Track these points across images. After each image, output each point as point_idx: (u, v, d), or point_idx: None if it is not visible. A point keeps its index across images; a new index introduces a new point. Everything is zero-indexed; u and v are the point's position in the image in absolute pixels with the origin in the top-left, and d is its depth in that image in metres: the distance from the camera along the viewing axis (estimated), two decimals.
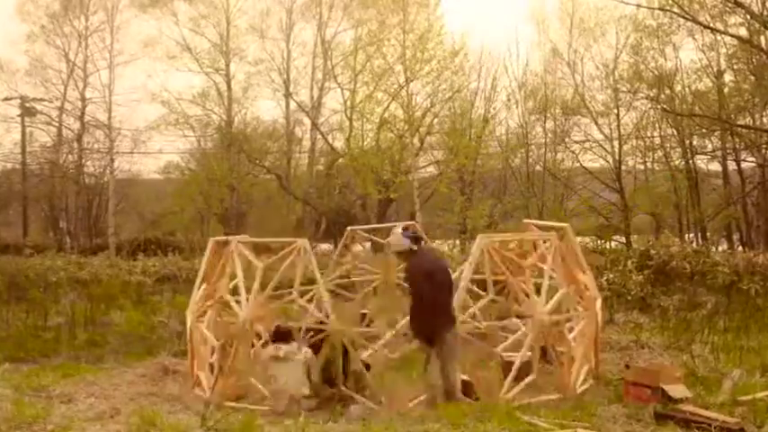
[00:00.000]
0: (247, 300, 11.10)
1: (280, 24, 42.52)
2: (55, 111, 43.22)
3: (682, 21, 31.28)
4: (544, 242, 11.95)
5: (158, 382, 12.43)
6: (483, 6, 59.67)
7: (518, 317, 12.49)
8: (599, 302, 12.22)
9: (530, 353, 10.94)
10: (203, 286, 12.59)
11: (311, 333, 11.55)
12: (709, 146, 38.00)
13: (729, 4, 28.46)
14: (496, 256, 11.33)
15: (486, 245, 11.16)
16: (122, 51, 41.63)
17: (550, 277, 11.38)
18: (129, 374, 12.95)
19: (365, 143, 39.73)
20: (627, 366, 11.21)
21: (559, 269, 11.73)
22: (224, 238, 13.15)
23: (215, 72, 42.35)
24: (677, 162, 38.43)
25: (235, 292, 11.69)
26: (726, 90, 34.74)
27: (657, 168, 40.33)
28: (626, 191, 37.98)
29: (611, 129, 38.61)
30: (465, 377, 10.65)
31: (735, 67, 34.00)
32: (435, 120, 39.88)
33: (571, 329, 12.02)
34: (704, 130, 35.58)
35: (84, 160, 44.54)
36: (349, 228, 16.16)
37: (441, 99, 38.97)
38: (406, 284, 11.39)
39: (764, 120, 34.22)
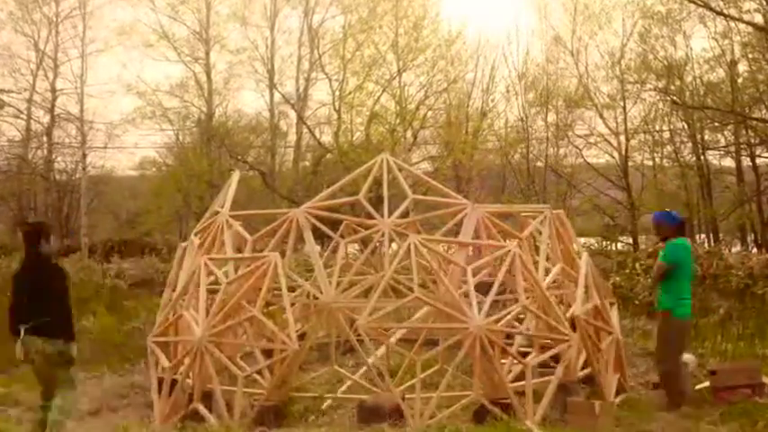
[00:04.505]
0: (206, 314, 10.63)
1: (263, 10, 42.48)
2: (23, 103, 43.11)
3: (693, 7, 31.26)
4: (535, 218, 12.10)
5: (132, 392, 12.41)
6: None
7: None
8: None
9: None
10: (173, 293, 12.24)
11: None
12: (722, 140, 38.05)
13: None
14: (493, 227, 11.38)
15: (481, 215, 11.20)
16: (95, 39, 41.67)
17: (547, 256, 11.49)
18: (103, 384, 12.93)
19: (354, 137, 39.73)
20: (712, 372, 10.93)
21: (555, 244, 11.88)
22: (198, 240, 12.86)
23: (194, 61, 42.35)
24: (688, 158, 38.51)
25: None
26: (740, 81, 34.77)
27: (667, 164, 40.40)
28: (633, 188, 38.05)
29: (617, 122, 38.71)
30: None
31: (750, 56, 33.99)
32: (429, 113, 39.88)
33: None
34: (717, 124, 35.60)
35: (54, 155, 44.46)
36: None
37: (435, 90, 38.99)
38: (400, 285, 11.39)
39: None
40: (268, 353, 11.26)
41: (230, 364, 10.70)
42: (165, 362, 11.25)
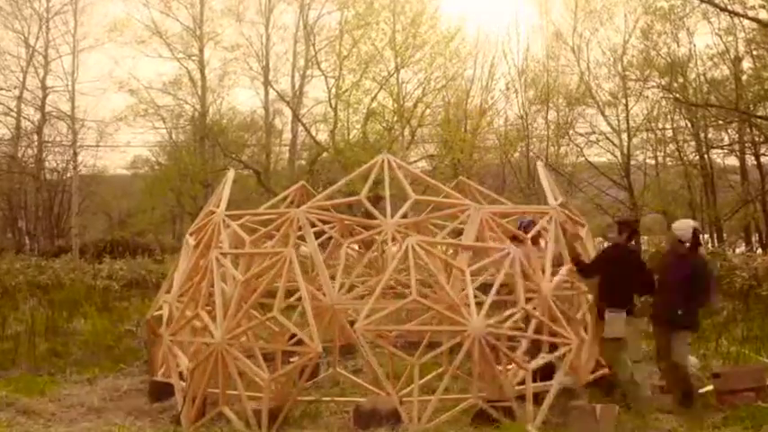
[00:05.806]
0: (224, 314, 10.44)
1: (258, 6, 42.54)
2: (13, 100, 43.07)
3: (696, 2, 31.36)
4: (542, 217, 12.01)
5: (124, 395, 12.40)
6: None
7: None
8: None
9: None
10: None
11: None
12: (726, 139, 38.16)
13: None
14: (497, 228, 11.36)
15: (484, 216, 11.18)
16: (87, 36, 41.71)
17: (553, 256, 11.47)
18: (94, 387, 12.91)
19: (351, 136, 39.83)
20: (716, 375, 10.84)
21: (561, 244, 11.80)
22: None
23: (188, 58, 42.33)
24: (691, 156, 38.56)
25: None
26: (744, 78, 34.84)
27: (669, 163, 40.48)
28: (635, 188, 38.05)
29: (618, 120, 38.73)
30: None
31: (754, 52, 34.08)
32: (428, 110, 39.96)
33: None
34: (720, 122, 35.67)
35: (44, 154, 44.51)
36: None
37: (434, 88, 39.10)
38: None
39: None
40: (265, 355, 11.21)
41: (253, 366, 10.51)
42: (184, 362, 11.04)
